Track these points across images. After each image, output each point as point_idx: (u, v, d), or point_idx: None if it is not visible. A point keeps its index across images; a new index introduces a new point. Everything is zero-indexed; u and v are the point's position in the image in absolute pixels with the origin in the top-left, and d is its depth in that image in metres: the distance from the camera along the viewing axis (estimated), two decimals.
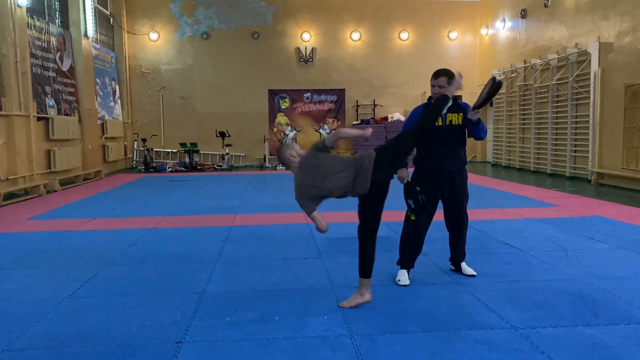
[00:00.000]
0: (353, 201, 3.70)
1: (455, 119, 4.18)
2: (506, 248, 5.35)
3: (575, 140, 12.22)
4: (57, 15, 12.40)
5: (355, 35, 17.59)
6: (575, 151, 12.23)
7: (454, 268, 4.53)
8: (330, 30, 17.52)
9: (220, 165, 16.28)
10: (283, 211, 7.64)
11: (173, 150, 17.09)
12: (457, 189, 4.24)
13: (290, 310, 3.63)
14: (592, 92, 11.32)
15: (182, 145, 16.21)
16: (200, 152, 16.73)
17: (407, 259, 4.28)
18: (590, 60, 11.31)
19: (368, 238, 3.65)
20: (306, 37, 17.39)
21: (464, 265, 4.45)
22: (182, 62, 17.20)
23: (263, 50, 17.26)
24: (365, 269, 3.67)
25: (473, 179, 11.39)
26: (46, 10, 11.76)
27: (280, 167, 14.75)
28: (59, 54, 12.02)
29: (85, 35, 13.23)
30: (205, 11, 17.06)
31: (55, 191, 10.51)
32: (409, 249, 4.28)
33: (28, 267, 4.82)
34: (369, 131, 3.73)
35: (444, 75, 4.06)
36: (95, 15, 14.04)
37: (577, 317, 3.44)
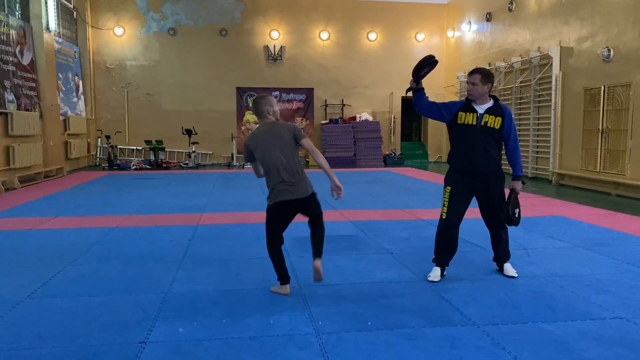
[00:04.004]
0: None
1: (492, 121, 4.11)
2: (469, 246, 5.45)
3: (537, 141, 12.55)
4: (17, 7, 12.01)
5: (324, 35, 17.63)
6: (537, 152, 12.56)
7: (498, 268, 4.55)
8: (299, 29, 17.52)
9: (187, 164, 16.08)
10: (250, 210, 7.60)
11: (138, 148, 16.79)
12: (490, 189, 4.23)
13: (257, 309, 3.62)
14: (553, 95, 11.65)
15: (148, 142, 15.94)
16: (166, 149, 16.49)
17: (441, 258, 4.35)
18: (552, 63, 11.63)
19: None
20: (275, 36, 17.34)
21: (506, 266, 4.46)
22: (148, 58, 16.91)
23: (231, 48, 17.12)
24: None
25: (437, 179, 11.55)
26: (5, 2, 11.37)
27: (248, 166, 14.64)
28: (19, 47, 11.66)
29: (47, 28, 12.86)
30: (172, 7, 16.81)
31: (15, 189, 10.20)
32: (442, 248, 4.33)
33: None
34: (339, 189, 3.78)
35: (477, 73, 4.15)
36: (57, 9, 13.67)
37: (536, 313, 3.54)
